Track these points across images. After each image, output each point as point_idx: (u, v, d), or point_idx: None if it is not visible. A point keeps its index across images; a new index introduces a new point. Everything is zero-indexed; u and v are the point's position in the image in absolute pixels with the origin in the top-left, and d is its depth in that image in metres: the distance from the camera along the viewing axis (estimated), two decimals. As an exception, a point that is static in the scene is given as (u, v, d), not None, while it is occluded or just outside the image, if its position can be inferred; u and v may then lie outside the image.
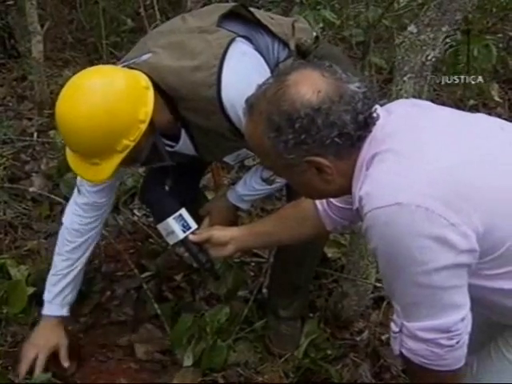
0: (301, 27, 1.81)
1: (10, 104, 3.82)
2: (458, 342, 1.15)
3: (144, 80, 1.55)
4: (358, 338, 2.15)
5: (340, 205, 1.46)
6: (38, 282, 2.15)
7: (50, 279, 1.92)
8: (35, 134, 3.35)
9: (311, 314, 2.21)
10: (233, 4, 1.78)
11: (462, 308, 1.14)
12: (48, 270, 1.95)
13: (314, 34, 1.84)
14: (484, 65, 3.14)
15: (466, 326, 1.16)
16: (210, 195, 2.45)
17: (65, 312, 1.93)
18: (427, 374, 1.20)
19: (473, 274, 1.13)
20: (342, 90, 1.12)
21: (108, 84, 1.51)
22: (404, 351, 1.21)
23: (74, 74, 1.61)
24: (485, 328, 1.40)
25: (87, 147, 1.51)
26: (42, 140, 3.28)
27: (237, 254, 1.74)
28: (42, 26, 3.76)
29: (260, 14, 1.82)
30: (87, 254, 1.92)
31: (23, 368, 1.85)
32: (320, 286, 2.36)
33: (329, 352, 2.05)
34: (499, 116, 3.61)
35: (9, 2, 4.39)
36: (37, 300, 2.10)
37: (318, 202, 1.51)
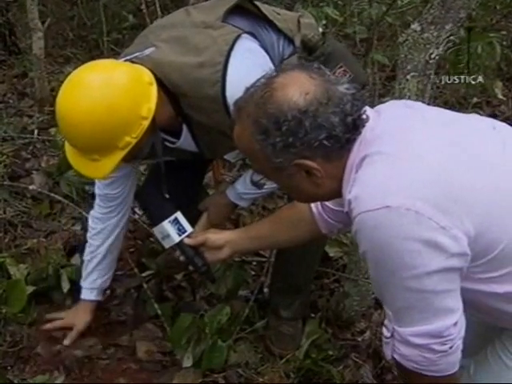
0: (306, 23, 1.78)
1: (11, 101, 3.80)
2: (451, 348, 1.14)
3: (147, 75, 1.53)
4: (359, 339, 2.15)
5: (335, 207, 1.45)
6: (38, 281, 2.15)
7: (83, 264, 2.00)
8: (36, 132, 3.32)
9: (312, 314, 2.20)
10: None
11: (455, 312, 1.13)
12: (47, 269, 1.98)
13: (320, 29, 1.81)
14: (488, 62, 3.12)
15: (459, 331, 1.14)
16: (211, 192, 2.44)
17: (93, 296, 1.99)
18: (420, 379, 1.19)
19: (466, 277, 1.12)
20: (331, 91, 1.11)
21: (109, 78, 1.49)
22: (396, 356, 1.20)
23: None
24: (481, 331, 1.39)
25: (87, 143, 1.49)
26: (43, 137, 3.26)
27: (233, 257, 1.73)
28: (43, 22, 3.74)
29: (265, 8, 1.79)
30: (109, 242, 1.94)
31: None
32: (321, 285, 2.35)
33: (330, 352, 2.05)
34: (503, 114, 3.61)
35: (10, -1, 4.37)
36: (36, 299, 2.10)
37: (313, 204, 1.49)
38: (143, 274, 2.26)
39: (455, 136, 1.16)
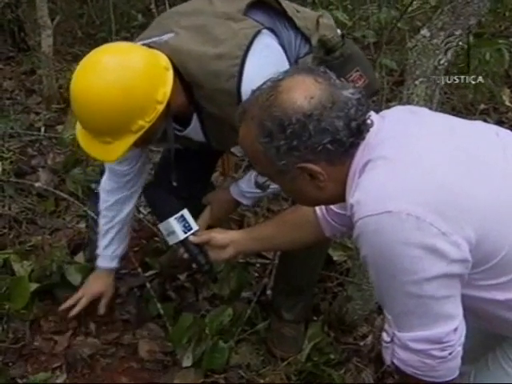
0: (325, 23, 1.76)
1: (18, 98, 3.82)
2: (450, 354, 1.14)
3: (164, 60, 1.52)
4: (361, 343, 2.13)
5: (339, 211, 1.44)
6: (42, 278, 2.15)
7: (99, 234, 2.01)
8: (42, 129, 3.34)
9: (315, 318, 2.20)
10: None
11: (455, 318, 1.12)
12: (51, 266, 1.99)
13: (339, 31, 1.80)
14: (496, 69, 3.11)
15: (459, 338, 1.14)
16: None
17: (114, 264, 2.02)
18: None
19: (467, 284, 1.11)
20: (336, 96, 1.11)
21: (125, 61, 1.48)
22: (396, 361, 1.19)
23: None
24: (482, 338, 1.39)
25: (100, 124, 1.48)
26: (49, 135, 3.27)
27: (237, 257, 1.74)
28: (53, 19, 3.75)
29: (286, 4, 1.76)
30: (123, 215, 1.95)
31: (67, 303, 1.99)
32: (325, 289, 2.34)
33: (332, 356, 2.04)
34: (510, 121, 3.60)
35: (20, -4, 4.39)
36: (39, 296, 2.10)
37: (317, 207, 1.49)
38: (146, 274, 2.27)
39: (459, 142, 1.16)
